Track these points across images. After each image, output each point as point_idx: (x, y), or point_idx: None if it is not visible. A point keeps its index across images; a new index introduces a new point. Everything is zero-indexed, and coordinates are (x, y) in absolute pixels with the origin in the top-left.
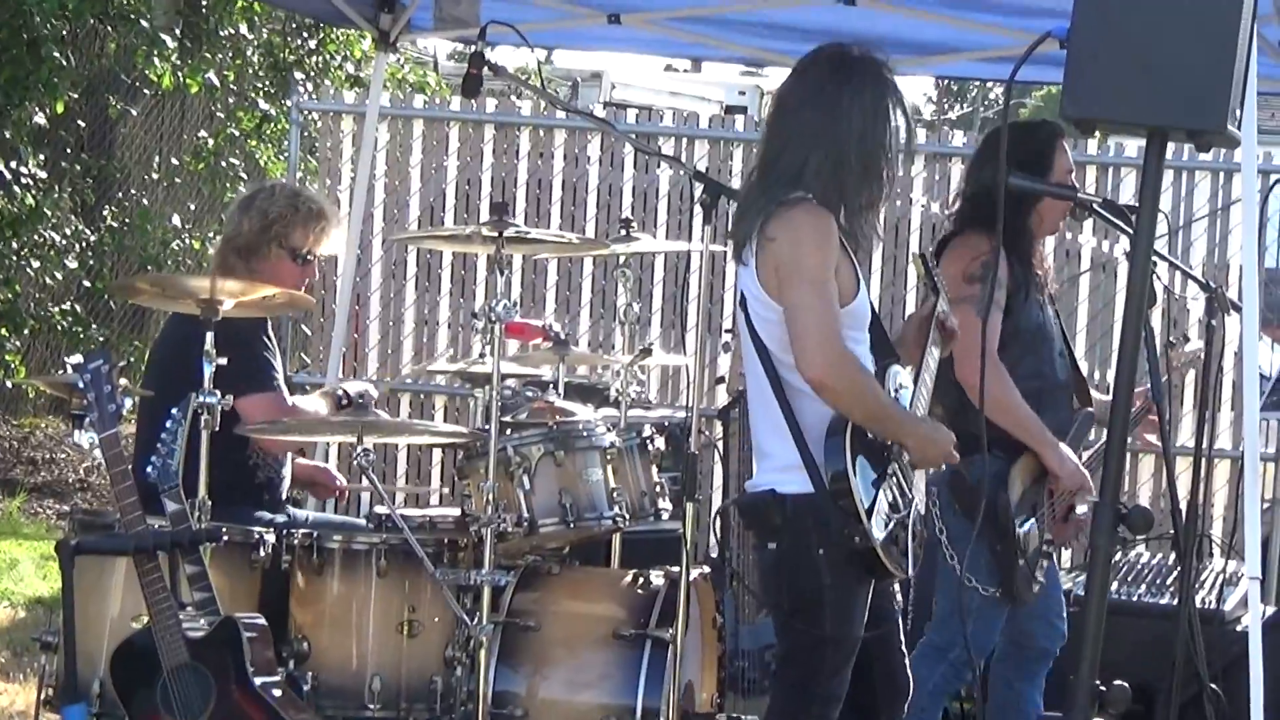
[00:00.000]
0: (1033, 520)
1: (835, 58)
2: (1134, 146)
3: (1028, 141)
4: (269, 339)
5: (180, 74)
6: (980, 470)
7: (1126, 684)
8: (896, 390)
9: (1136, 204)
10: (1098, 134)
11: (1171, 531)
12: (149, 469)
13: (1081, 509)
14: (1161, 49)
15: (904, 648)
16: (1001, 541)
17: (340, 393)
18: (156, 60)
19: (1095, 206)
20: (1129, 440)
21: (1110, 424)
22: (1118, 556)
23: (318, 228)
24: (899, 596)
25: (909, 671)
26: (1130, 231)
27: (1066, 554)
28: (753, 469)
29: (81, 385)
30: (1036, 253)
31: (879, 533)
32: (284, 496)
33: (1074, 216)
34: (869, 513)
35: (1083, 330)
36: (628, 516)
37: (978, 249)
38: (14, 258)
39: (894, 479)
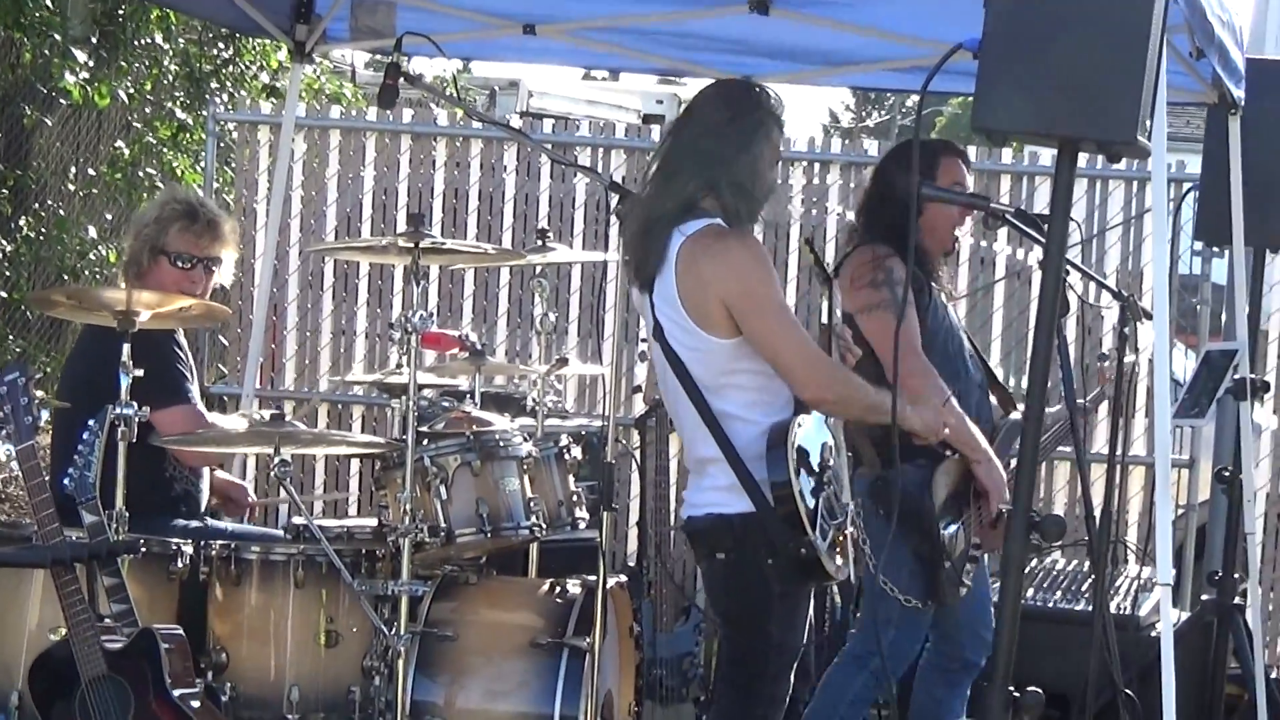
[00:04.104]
0: (958, 524)
1: (726, 89)
2: (1048, 155)
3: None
4: (182, 350)
5: (89, 88)
6: (906, 479)
7: (1041, 690)
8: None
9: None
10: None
11: (1086, 538)
12: (66, 481)
13: None
14: (1072, 60)
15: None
16: (925, 545)
17: (258, 418)
18: (68, 75)
19: (1008, 216)
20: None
21: (1024, 431)
22: (1034, 563)
23: (181, 226)
24: (837, 596)
25: None
26: (1043, 241)
27: (987, 559)
28: (686, 484)
29: None
30: (932, 261)
31: (821, 541)
32: (203, 509)
33: (987, 226)
34: (812, 522)
35: (997, 339)
36: (545, 526)
37: (876, 254)
38: None
39: (830, 486)
